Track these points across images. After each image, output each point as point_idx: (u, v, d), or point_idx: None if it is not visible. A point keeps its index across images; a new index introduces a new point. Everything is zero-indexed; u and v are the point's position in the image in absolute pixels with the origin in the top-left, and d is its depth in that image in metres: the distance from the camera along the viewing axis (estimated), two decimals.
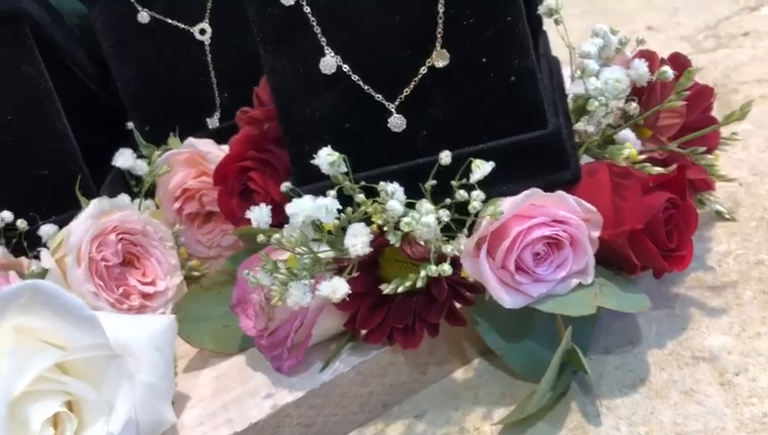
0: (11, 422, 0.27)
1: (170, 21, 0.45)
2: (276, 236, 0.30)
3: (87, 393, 0.28)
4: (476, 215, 0.30)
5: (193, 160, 0.41)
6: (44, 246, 0.39)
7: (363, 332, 0.32)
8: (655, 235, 0.30)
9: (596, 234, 0.30)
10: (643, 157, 0.31)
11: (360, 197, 0.30)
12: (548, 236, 0.29)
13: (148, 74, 0.46)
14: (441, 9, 0.31)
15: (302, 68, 0.33)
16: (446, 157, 0.29)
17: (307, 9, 0.33)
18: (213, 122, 0.46)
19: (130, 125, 0.47)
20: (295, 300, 0.29)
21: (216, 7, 0.45)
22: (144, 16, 0.45)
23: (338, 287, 0.28)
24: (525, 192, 0.29)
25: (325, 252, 0.30)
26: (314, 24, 0.33)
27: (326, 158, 0.30)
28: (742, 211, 0.38)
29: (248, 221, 0.38)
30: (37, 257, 0.39)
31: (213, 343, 0.36)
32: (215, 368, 0.35)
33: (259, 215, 0.30)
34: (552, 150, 0.31)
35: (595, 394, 0.31)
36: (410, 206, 0.29)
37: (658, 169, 0.30)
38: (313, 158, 0.32)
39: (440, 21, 0.31)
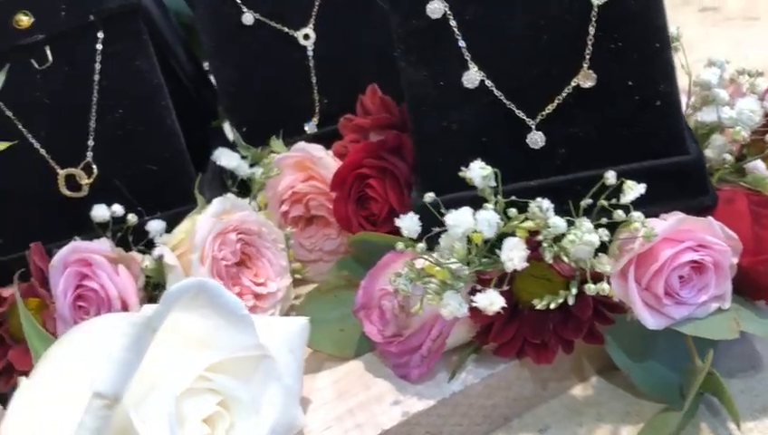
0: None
1: (274, 24, 0.46)
2: (420, 246, 0.31)
3: (241, 393, 0.28)
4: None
5: (302, 165, 0.42)
6: (151, 241, 0.39)
7: (492, 344, 0.33)
8: None
9: (735, 260, 0.31)
10: None
11: (513, 211, 0.30)
12: (694, 261, 0.30)
13: (248, 76, 0.46)
14: (592, 31, 0.32)
15: (443, 81, 0.34)
16: (611, 177, 0.29)
17: (453, 23, 0.33)
18: (311, 127, 0.47)
19: (227, 126, 0.47)
20: (451, 310, 0.29)
21: (321, 13, 0.46)
22: (248, 18, 0.46)
23: (494, 300, 0.29)
24: (677, 217, 0.30)
25: (475, 266, 0.30)
26: (459, 38, 0.33)
27: (479, 171, 0.30)
28: None
29: (362, 228, 0.39)
30: (142, 252, 0.39)
31: (330, 346, 0.36)
32: (332, 371, 0.36)
33: (409, 223, 0.31)
34: (693, 176, 0.32)
35: (725, 417, 0.31)
36: (569, 223, 0.29)
37: None
38: (445, 169, 0.33)
39: (590, 42, 0.32)
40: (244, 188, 0.44)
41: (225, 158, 0.43)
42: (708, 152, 0.35)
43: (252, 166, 0.44)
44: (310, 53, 0.46)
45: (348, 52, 0.46)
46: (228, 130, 0.47)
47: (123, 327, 0.25)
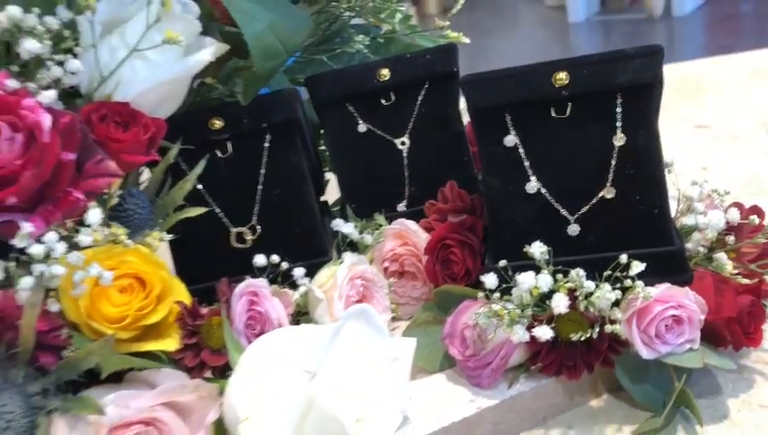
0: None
1: (380, 133, 0.63)
2: (496, 295, 0.47)
3: (380, 382, 0.44)
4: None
5: (400, 234, 0.58)
6: (294, 282, 0.56)
7: (539, 365, 0.49)
8: (741, 322, 0.47)
9: (702, 317, 0.47)
10: (736, 272, 0.48)
11: (559, 276, 0.46)
12: (676, 316, 0.46)
13: (358, 168, 0.64)
14: (613, 163, 0.49)
15: (512, 187, 0.51)
16: (624, 258, 0.46)
17: (521, 150, 0.50)
18: (401, 207, 0.63)
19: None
20: (519, 337, 0.45)
21: (415, 127, 0.63)
22: (362, 128, 0.63)
23: (546, 332, 0.45)
24: (665, 286, 0.46)
25: (532, 310, 0.46)
26: (524, 159, 0.50)
27: (538, 249, 0.47)
28: None
29: (444, 282, 0.55)
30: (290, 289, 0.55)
31: (423, 361, 0.52)
32: (426, 379, 0.51)
33: (491, 280, 0.47)
34: (677, 260, 0.48)
35: (694, 421, 0.47)
36: (598, 286, 0.45)
37: (746, 281, 0.48)
38: (510, 246, 0.49)
39: (611, 169, 0.49)
40: (353, 248, 0.61)
41: (345, 227, 0.59)
42: (689, 245, 0.51)
43: (360, 233, 0.61)
44: (405, 155, 0.63)
45: (431, 155, 0.63)
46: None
47: (321, 330, 0.41)
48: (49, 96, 0.46)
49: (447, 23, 0.68)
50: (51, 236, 0.43)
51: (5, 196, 0.43)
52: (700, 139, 0.88)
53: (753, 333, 0.48)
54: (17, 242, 0.43)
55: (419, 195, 0.62)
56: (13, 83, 0.46)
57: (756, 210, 0.51)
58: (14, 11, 0.46)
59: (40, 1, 0.48)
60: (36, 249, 0.42)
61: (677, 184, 0.54)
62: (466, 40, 0.69)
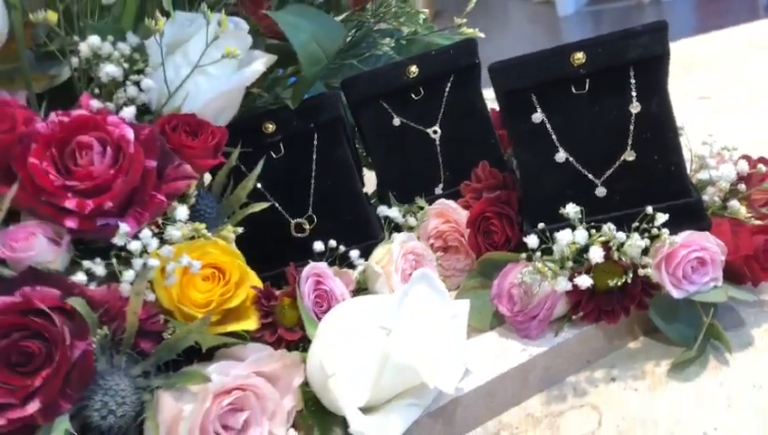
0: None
1: (414, 124, 0.69)
2: (538, 254, 0.53)
3: (445, 335, 0.50)
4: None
5: (442, 213, 0.64)
6: (351, 264, 0.61)
7: (580, 313, 0.54)
8: (758, 259, 0.53)
9: (723, 258, 0.53)
10: (749, 215, 0.54)
11: (593, 232, 0.52)
12: (699, 257, 0.52)
13: (396, 158, 0.70)
14: (631, 128, 0.55)
15: (542, 159, 0.57)
16: (650, 210, 0.52)
17: (548, 125, 0.56)
18: (438, 190, 0.69)
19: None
20: (562, 286, 0.51)
21: (445, 115, 0.69)
22: (397, 121, 0.69)
23: (586, 281, 0.51)
24: (687, 233, 0.52)
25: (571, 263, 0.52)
26: (552, 133, 0.56)
27: (574, 210, 0.53)
28: None
29: (486, 250, 0.61)
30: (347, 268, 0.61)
31: (475, 321, 0.57)
32: (479, 338, 0.57)
33: (533, 241, 0.53)
34: (696, 210, 0.54)
35: (724, 351, 0.52)
36: (628, 236, 0.51)
37: (759, 222, 0.53)
38: (545, 210, 0.55)
39: (630, 134, 0.55)
40: (397, 231, 0.67)
41: (388, 211, 0.65)
42: (705, 197, 0.57)
43: (404, 216, 0.67)
44: (437, 142, 0.69)
45: (461, 141, 0.69)
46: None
47: (390, 296, 0.47)
48: (129, 112, 0.52)
49: (464, 20, 0.74)
50: (145, 232, 0.49)
51: (103, 201, 0.50)
52: (703, 110, 0.94)
53: None
54: (117, 240, 0.49)
55: (453, 178, 0.68)
56: (96, 104, 0.53)
57: (764, 160, 0.57)
58: (93, 40, 0.53)
59: (112, 29, 0.55)
60: (135, 245, 0.49)
61: (689, 146, 0.60)
62: (482, 35, 0.75)
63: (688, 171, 0.60)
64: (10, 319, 0.45)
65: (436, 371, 0.48)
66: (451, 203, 0.64)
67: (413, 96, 0.69)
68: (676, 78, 0.93)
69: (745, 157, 0.57)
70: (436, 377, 0.48)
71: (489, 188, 0.64)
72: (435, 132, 0.69)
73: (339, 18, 0.72)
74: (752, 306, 0.55)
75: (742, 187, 0.56)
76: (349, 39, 0.73)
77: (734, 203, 0.56)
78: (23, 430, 0.46)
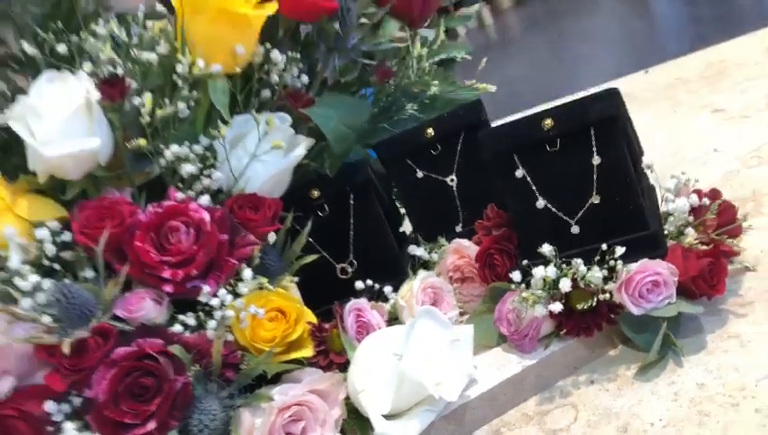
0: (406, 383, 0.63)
1: (434, 175, 0.84)
2: (522, 286, 0.66)
3: (448, 357, 0.65)
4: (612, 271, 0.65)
5: (458, 250, 0.79)
6: (385, 297, 0.77)
7: (563, 330, 0.67)
8: (704, 278, 0.64)
9: (675, 278, 0.65)
10: (697, 241, 0.66)
11: (564, 266, 0.65)
12: (653, 280, 0.64)
13: (422, 204, 0.84)
14: (595, 177, 0.67)
15: (526, 206, 0.70)
16: (604, 246, 0.64)
17: (528, 178, 0.70)
18: (458, 229, 0.84)
19: (408, 230, 0.85)
20: (540, 312, 0.64)
21: (459, 166, 0.83)
22: (420, 174, 0.84)
23: (557, 307, 0.64)
24: (642, 261, 0.64)
25: (549, 292, 0.66)
26: (532, 184, 0.70)
27: (548, 249, 0.66)
28: (760, 267, 0.71)
29: (492, 281, 0.75)
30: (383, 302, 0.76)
31: (483, 339, 0.72)
32: (488, 352, 0.71)
33: (516, 275, 0.66)
34: (652, 240, 0.66)
35: (680, 353, 0.64)
36: (589, 269, 0.64)
37: (704, 247, 0.65)
38: (531, 248, 0.69)
39: (595, 182, 0.68)
40: (425, 265, 0.82)
41: (416, 250, 0.81)
42: (668, 226, 0.69)
43: (429, 253, 0.82)
44: (454, 188, 0.83)
45: (474, 186, 0.83)
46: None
47: (402, 327, 0.63)
48: (205, 199, 0.70)
49: (474, 81, 0.88)
50: (222, 291, 0.67)
51: (190, 270, 0.67)
52: (715, 122, 1.03)
53: (717, 285, 0.65)
54: (202, 298, 0.66)
55: (470, 217, 0.82)
56: (180, 195, 0.71)
57: (712, 194, 0.68)
58: (174, 147, 0.71)
59: (188, 136, 0.72)
60: (215, 301, 0.66)
61: (659, 182, 0.71)
62: (492, 89, 0.89)
63: (661, 200, 0.72)
64: (130, 363, 0.63)
65: (441, 384, 0.63)
66: (465, 241, 0.78)
67: (432, 152, 0.83)
68: (694, 93, 1.03)
69: (696, 191, 0.68)
70: (440, 389, 0.63)
71: (496, 226, 0.77)
72: (452, 180, 0.83)
73: (369, 90, 0.87)
74: (711, 315, 0.67)
75: (690, 218, 0.67)
76: (378, 107, 0.88)
77: (688, 230, 0.67)
78: None
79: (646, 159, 0.73)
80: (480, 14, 9.26)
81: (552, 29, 7.80)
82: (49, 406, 0.65)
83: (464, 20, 0.92)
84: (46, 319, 0.65)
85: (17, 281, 0.64)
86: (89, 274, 0.68)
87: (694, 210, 0.68)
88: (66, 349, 0.62)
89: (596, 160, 0.67)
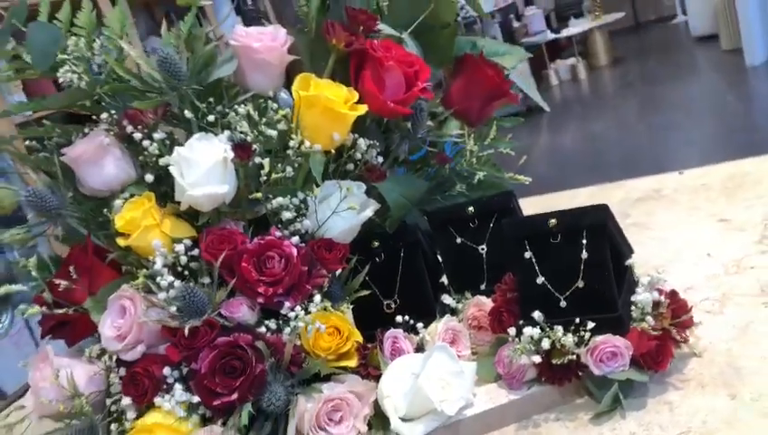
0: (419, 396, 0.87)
1: (470, 243, 1.08)
2: (516, 340, 0.89)
3: (454, 382, 0.88)
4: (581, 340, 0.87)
5: (477, 304, 1.02)
6: (416, 331, 1.01)
7: (543, 378, 0.89)
8: (651, 356, 0.85)
9: (630, 352, 0.86)
10: (650, 327, 0.87)
11: (547, 330, 0.88)
12: (612, 351, 0.86)
13: (455, 263, 1.08)
14: (582, 267, 0.90)
15: (528, 280, 0.93)
16: (577, 320, 0.86)
17: (534, 260, 0.93)
18: (482, 287, 1.07)
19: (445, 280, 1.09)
20: (524, 361, 0.87)
21: (490, 239, 1.07)
22: (458, 240, 1.08)
23: (537, 359, 0.87)
24: (607, 335, 0.86)
25: (534, 352, 0.88)
26: (535, 265, 0.93)
27: (538, 315, 0.89)
28: (705, 354, 0.91)
29: (500, 333, 0.98)
30: (414, 334, 1.00)
31: (486, 375, 0.94)
32: (486, 385, 0.94)
33: (512, 331, 0.89)
34: (617, 321, 0.88)
35: (624, 408, 0.85)
36: (565, 335, 0.87)
37: (655, 332, 0.86)
38: (530, 312, 0.91)
39: (581, 271, 0.90)
40: (453, 311, 1.05)
41: (446, 299, 1.04)
42: (635, 312, 0.90)
43: (457, 302, 1.05)
44: (484, 256, 1.07)
45: (499, 257, 1.06)
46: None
47: (423, 355, 0.87)
48: (295, 240, 0.96)
49: (512, 174, 1.11)
50: (297, 308, 0.92)
51: (277, 289, 0.93)
52: (717, 230, 1.23)
53: (661, 362, 0.86)
54: (283, 311, 0.92)
55: (493, 279, 1.05)
56: (278, 233, 0.97)
57: (671, 294, 0.89)
58: (279, 199, 0.97)
59: (289, 192, 0.99)
60: (291, 314, 0.92)
61: (638, 276, 0.93)
62: (527, 181, 1.12)
63: (642, 290, 0.93)
64: (226, 349, 0.89)
65: (445, 401, 0.87)
66: (484, 298, 1.02)
67: (470, 225, 1.07)
68: (710, 202, 1.24)
69: (658, 289, 0.90)
70: (444, 405, 0.86)
71: (510, 291, 1.00)
72: (482, 249, 1.07)
73: (428, 169, 1.12)
74: (655, 384, 0.87)
75: (648, 308, 0.88)
76: (435, 183, 1.13)
77: (648, 318, 0.89)
78: (229, 409, 0.90)
79: (632, 259, 0.95)
80: (576, 68, 9.40)
81: (645, 92, 7.89)
82: (166, 370, 0.91)
83: (512, 122, 1.16)
84: (173, 309, 0.91)
85: (158, 279, 0.92)
86: (206, 280, 0.94)
87: (655, 303, 0.89)
88: (186, 332, 0.89)
89: (584, 255, 0.90)
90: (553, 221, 0.91)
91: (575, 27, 9.56)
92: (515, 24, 8.80)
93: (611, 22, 9.58)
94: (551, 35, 9.28)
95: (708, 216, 1.29)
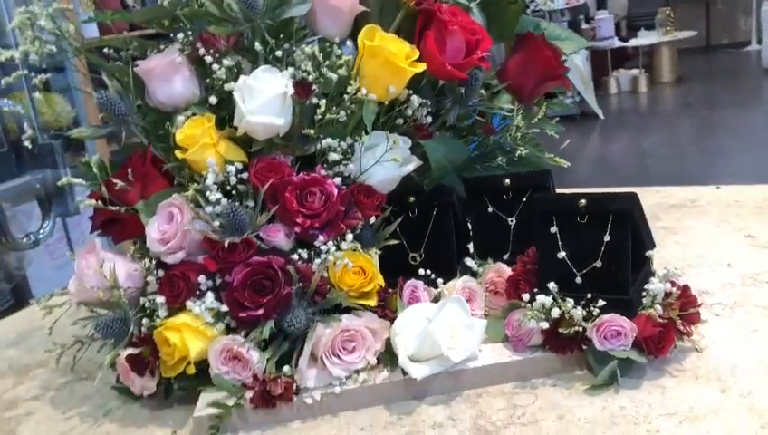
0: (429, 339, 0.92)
1: (500, 213, 1.13)
2: (529, 305, 0.94)
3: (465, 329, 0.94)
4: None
5: (497, 270, 1.07)
6: (436, 284, 1.06)
7: (547, 345, 0.95)
8: (653, 340, 0.90)
9: (633, 334, 0.91)
10: (657, 315, 0.91)
11: (559, 301, 0.93)
12: (616, 329, 0.90)
13: (485, 231, 1.13)
14: (602, 248, 0.94)
15: (550, 253, 0.98)
16: (589, 296, 0.91)
17: (558, 235, 0.97)
18: (505, 257, 1.12)
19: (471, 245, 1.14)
20: (532, 325, 0.92)
21: (520, 213, 1.11)
22: (490, 209, 1.13)
23: (545, 324, 0.92)
24: (614, 314, 0.91)
25: (542, 318, 0.93)
26: (559, 240, 0.97)
27: (553, 286, 0.93)
28: (705, 351, 0.95)
29: (517, 298, 1.03)
30: (432, 287, 1.06)
31: (494, 335, 1.00)
32: (493, 344, 0.99)
33: (525, 297, 0.94)
34: (627, 304, 0.92)
35: (619, 385, 0.90)
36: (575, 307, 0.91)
37: (660, 320, 0.90)
38: (546, 283, 0.96)
39: (601, 252, 0.94)
40: (473, 274, 1.10)
41: (468, 262, 1.10)
42: (646, 299, 0.95)
43: (478, 267, 1.10)
44: (512, 228, 1.12)
45: (526, 230, 1.10)
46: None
47: (438, 303, 0.92)
48: (338, 180, 1.02)
49: (553, 155, 1.15)
50: (330, 243, 0.98)
51: (314, 223, 0.99)
52: (742, 244, 1.26)
53: (662, 349, 0.90)
54: (316, 243, 0.98)
55: (516, 251, 1.10)
56: (323, 172, 1.03)
57: (683, 288, 0.93)
58: (329, 140, 1.03)
59: (339, 134, 1.04)
60: (323, 248, 0.98)
61: (655, 268, 0.97)
62: (566, 164, 1.16)
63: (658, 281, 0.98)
64: (259, 268, 0.96)
65: (452, 349, 0.92)
66: (505, 266, 1.07)
67: (504, 196, 1.12)
68: (741, 218, 1.27)
69: (671, 281, 0.94)
70: (450, 352, 0.92)
71: (531, 263, 1.05)
72: (511, 221, 1.12)
73: (474, 138, 1.17)
74: (652, 369, 0.92)
75: (659, 299, 0.93)
76: (478, 152, 1.18)
77: (657, 306, 0.93)
78: (253, 323, 0.97)
79: (653, 252, 0.99)
80: (637, 80, 9.26)
81: (704, 115, 7.78)
82: (201, 278, 0.99)
83: (561, 106, 1.20)
84: (216, 223, 0.98)
85: (207, 194, 0.98)
86: (250, 203, 1.01)
87: (666, 294, 0.93)
88: (225, 245, 0.96)
89: (606, 238, 0.94)
90: (583, 202, 0.95)
91: (644, 39, 9.42)
92: (584, 26, 8.70)
93: (682, 39, 9.41)
94: (618, 43, 9.16)
95: (736, 230, 1.32)
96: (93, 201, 1.02)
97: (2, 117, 3.25)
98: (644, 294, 0.95)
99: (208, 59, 1.03)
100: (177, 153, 1.02)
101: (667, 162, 6.20)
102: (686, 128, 7.69)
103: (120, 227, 1.06)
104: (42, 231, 2.79)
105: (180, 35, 1.06)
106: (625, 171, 6.03)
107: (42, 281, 3.08)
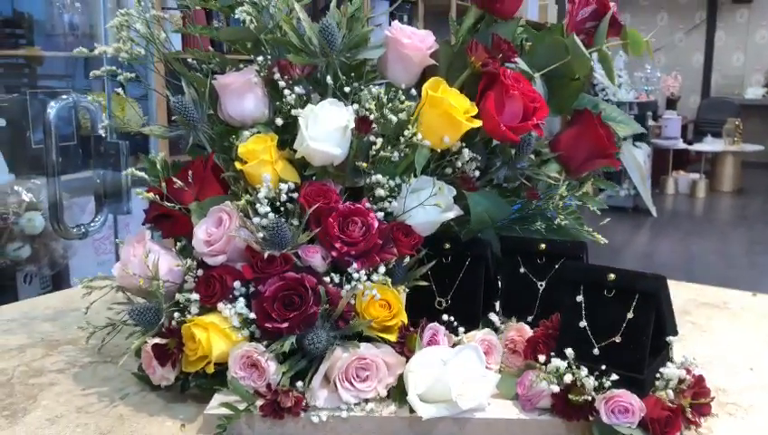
0: (440, 382, 0.95)
1: (531, 276, 1.15)
2: (543, 368, 0.96)
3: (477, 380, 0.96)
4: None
5: (519, 329, 1.09)
6: (456, 333, 1.09)
7: (555, 409, 0.96)
8: (659, 423, 0.90)
9: (641, 414, 0.91)
10: (668, 400, 0.92)
11: (573, 368, 0.94)
12: (624, 406, 0.91)
13: (513, 290, 1.16)
14: (623, 325, 0.96)
15: (572, 321, 1.00)
16: (612, 375, 0.93)
17: (583, 305, 1.00)
18: (529, 318, 1.14)
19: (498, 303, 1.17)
20: (542, 387, 0.94)
21: (551, 278, 1.14)
22: (522, 270, 1.16)
23: (555, 388, 0.93)
24: (625, 390, 0.92)
25: (553, 382, 0.95)
26: (583, 310, 1.00)
27: (570, 353, 0.95)
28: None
29: (534, 359, 1.05)
30: (452, 334, 1.09)
31: (506, 391, 1.01)
32: (500, 399, 1.01)
33: (541, 358, 0.96)
34: (639, 383, 0.93)
35: None
36: (587, 377, 0.93)
37: (669, 404, 0.91)
38: (564, 348, 0.98)
39: (623, 328, 0.96)
40: (495, 329, 1.13)
41: (492, 317, 1.12)
42: (658, 382, 0.96)
43: (501, 323, 1.13)
44: (540, 291, 1.14)
45: (553, 296, 1.13)
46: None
47: (455, 348, 0.95)
48: (380, 215, 1.07)
49: (590, 229, 1.18)
50: (362, 272, 1.03)
51: (351, 251, 1.04)
52: (767, 353, 1.25)
53: (668, 432, 0.91)
54: (350, 270, 1.03)
55: (541, 314, 1.12)
56: (367, 205, 1.08)
57: (697, 378, 0.94)
58: (378, 177, 1.08)
59: (390, 173, 1.09)
60: (355, 275, 1.02)
61: (672, 353, 0.98)
62: (604, 241, 1.19)
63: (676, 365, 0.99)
64: (292, 284, 1.01)
65: (461, 395, 0.95)
66: (526, 327, 1.09)
67: (538, 260, 1.15)
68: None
69: (687, 370, 0.95)
70: (459, 398, 0.94)
71: (553, 329, 1.07)
72: (541, 285, 1.14)
73: (517, 200, 1.21)
74: None
75: (672, 384, 0.94)
76: (519, 214, 1.21)
77: (669, 390, 0.94)
78: (276, 335, 1.00)
79: (674, 338, 1.00)
80: (696, 184, 9.18)
81: (759, 230, 7.65)
82: (236, 283, 1.03)
83: (597, 203, 1.23)
84: (260, 235, 1.04)
85: (257, 206, 1.04)
86: (295, 222, 1.06)
87: (680, 380, 0.94)
88: (264, 256, 1.01)
89: (630, 315, 0.96)
90: (612, 276, 0.98)
91: (709, 145, 9.38)
92: (650, 122, 8.72)
93: (747, 152, 9.34)
94: (682, 144, 9.14)
95: (765, 339, 1.31)
96: (151, 195, 1.09)
97: (77, 112, 3.41)
98: (658, 376, 0.96)
99: (282, 84, 1.10)
100: (237, 164, 1.08)
101: (713, 269, 6.10)
102: (738, 240, 7.57)
103: (170, 223, 1.12)
104: (93, 224, 2.89)
105: (260, 58, 1.14)
106: (669, 271, 5.95)
107: (82, 273, 3.18)
